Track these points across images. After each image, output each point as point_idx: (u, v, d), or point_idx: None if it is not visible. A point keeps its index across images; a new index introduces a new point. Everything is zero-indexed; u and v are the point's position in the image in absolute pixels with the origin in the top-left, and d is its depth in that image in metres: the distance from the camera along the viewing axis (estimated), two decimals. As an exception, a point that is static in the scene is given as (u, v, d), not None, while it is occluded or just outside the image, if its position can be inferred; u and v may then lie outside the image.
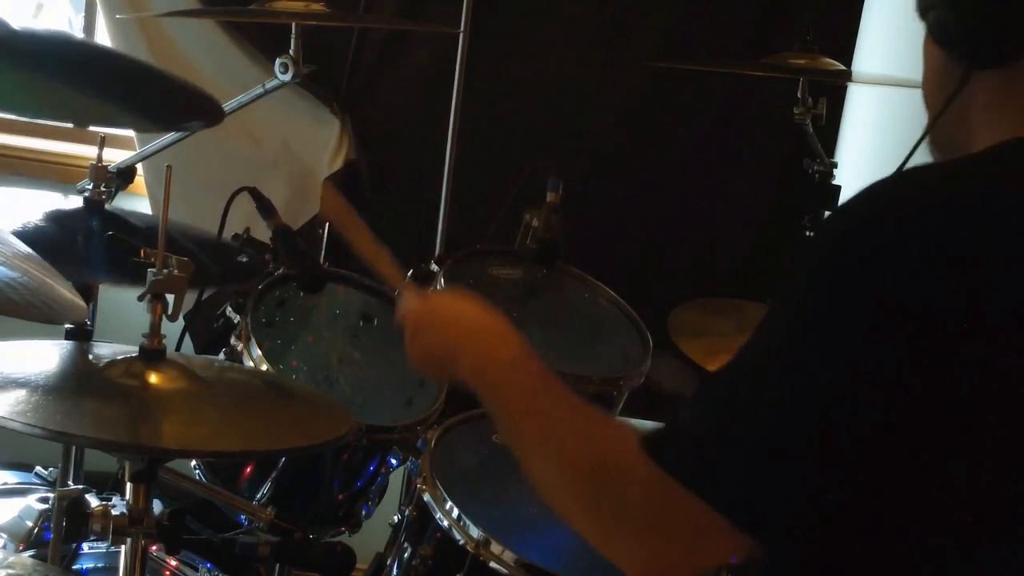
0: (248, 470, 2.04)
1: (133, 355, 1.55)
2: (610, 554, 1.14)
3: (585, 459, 1.15)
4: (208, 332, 2.16)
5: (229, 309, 2.07)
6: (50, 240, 1.95)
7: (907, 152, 1.26)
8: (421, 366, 1.39)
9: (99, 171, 2.08)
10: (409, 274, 2.33)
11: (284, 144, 3.08)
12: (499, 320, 1.31)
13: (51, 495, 2.17)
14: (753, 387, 1.09)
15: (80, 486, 1.76)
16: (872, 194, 1.11)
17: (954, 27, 1.17)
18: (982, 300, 1.04)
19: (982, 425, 1.05)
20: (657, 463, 1.08)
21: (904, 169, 1.18)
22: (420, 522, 1.83)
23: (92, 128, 3.09)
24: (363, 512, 2.13)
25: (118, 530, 1.48)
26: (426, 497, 1.79)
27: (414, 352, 1.38)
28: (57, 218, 2.03)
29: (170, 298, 1.52)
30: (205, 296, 2.27)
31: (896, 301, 1.03)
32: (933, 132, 1.23)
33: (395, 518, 2.04)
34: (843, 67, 2.54)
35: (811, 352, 1.06)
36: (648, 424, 1.19)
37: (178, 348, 2.02)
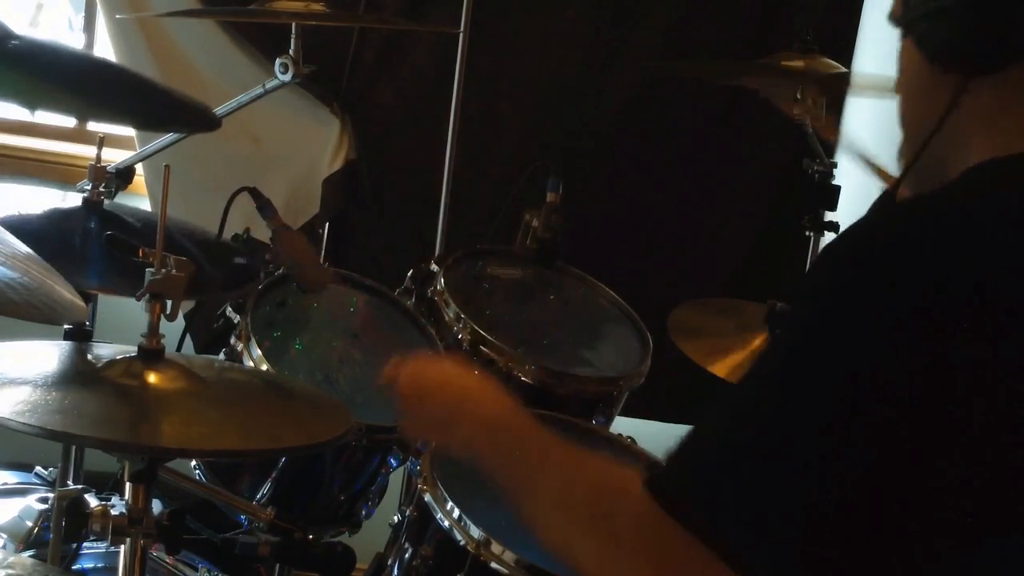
0: (248, 470, 2.04)
1: (133, 355, 1.55)
2: None
3: (594, 515, 1.15)
4: (208, 332, 2.16)
5: (229, 309, 2.07)
6: (50, 240, 1.95)
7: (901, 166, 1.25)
8: (416, 435, 1.41)
9: (98, 171, 2.08)
10: (410, 274, 2.33)
11: (284, 144, 3.08)
12: (485, 382, 1.34)
13: (51, 495, 2.17)
14: (747, 421, 1.09)
15: (80, 486, 1.76)
16: (882, 221, 1.11)
17: (949, 37, 1.15)
18: (990, 327, 1.04)
19: (983, 444, 1.05)
20: (659, 506, 1.07)
21: (906, 199, 1.17)
22: (420, 522, 1.83)
23: (92, 128, 3.11)
24: (363, 512, 2.13)
25: (118, 530, 1.48)
26: (427, 497, 1.79)
27: (408, 424, 1.43)
28: (56, 218, 2.04)
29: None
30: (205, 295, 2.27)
31: (900, 333, 1.03)
32: (911, 145, 1.22)
33: (395, 518, 2.03)
34: (843, 67, 2.54)
35: (803, 386, 1.06)
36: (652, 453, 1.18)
37: (178, 348, 2.02)
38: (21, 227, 1.93)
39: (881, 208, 1.15)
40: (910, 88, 1.23)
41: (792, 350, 1.09)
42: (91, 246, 2.00)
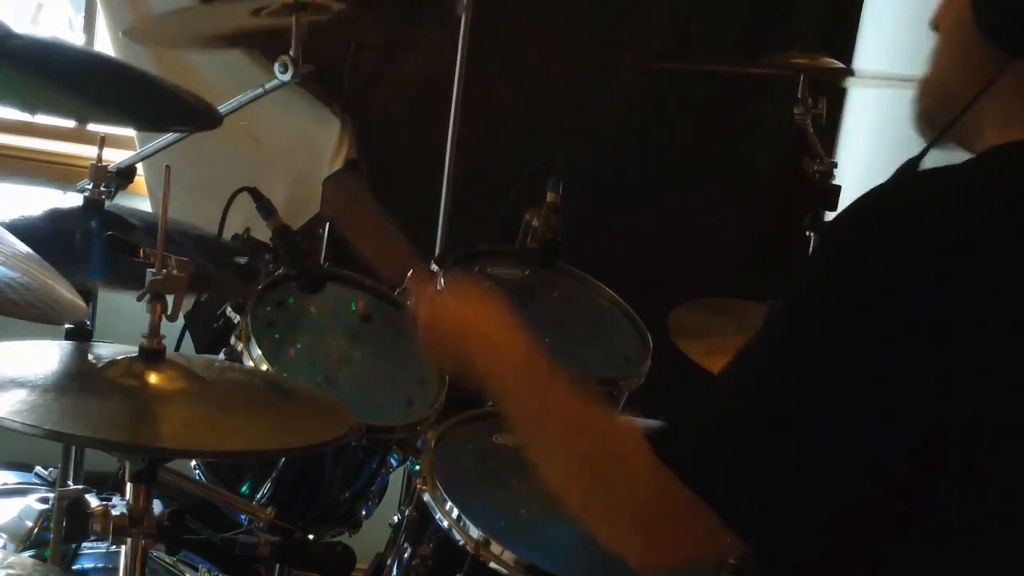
0: (248, 470, 2.04)
1: (133, 355, 1.55)
2: (611, 542, 1.16)
3: (591, 456, 1.18)
4: (208, 332, 2.16)
5: (229, 309, 2.07)
6: (50, 240, 1.94)
7: (909, 152, 1.26)
8: (433, 360, 1.41)
9: (99, 171, 2.08)
10: (410, 274, 2.33)
11: (284, 144, 3.08)
12: (508, 318, 1.33)
13: (51, 495, 2.17)
14: (750, 387, 1.11)
15: (80, 486, 1.76)
16: (888, 195, 1.12)
17: (1009, 11, 1.15)
18: (984, 304, 1.05)
19: (982, 419, 1.06)
20: (659, 458, 1.10)
21: (917, 172, 1.18)
22: (420, 522, 1.83)
23: (92, 128, 3.10)
24: (363, 512, 2.13)
25: (118, 530, 1.48)
26: (426, 497, 1.79)
27: (426, 346, 1.41)
28: (57, 218, 2.03)
29: (170, 298, 1.52)
30: (205, 296, 2.27)
31: (902, 304, 1.05)
32: (936, 106, 1.22)
33: (395, 518, 2.03)
34: (843, 66, 2.54)
35: (812, 353, 1.08)
36: (652, 423, 1.21)
37: (178, 348, 2.02)
38: (22, 228, 1.93)
39: (903, 175, 1.16)
40: (951, 48, 1.22)
41: (800, 311, 1.11)
42: (93, 246, 2.00)
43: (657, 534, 1.13)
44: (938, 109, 1.22)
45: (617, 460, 1.15)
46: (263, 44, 2.82)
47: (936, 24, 1.24)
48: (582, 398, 1.22)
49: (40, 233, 1.96)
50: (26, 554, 2.04)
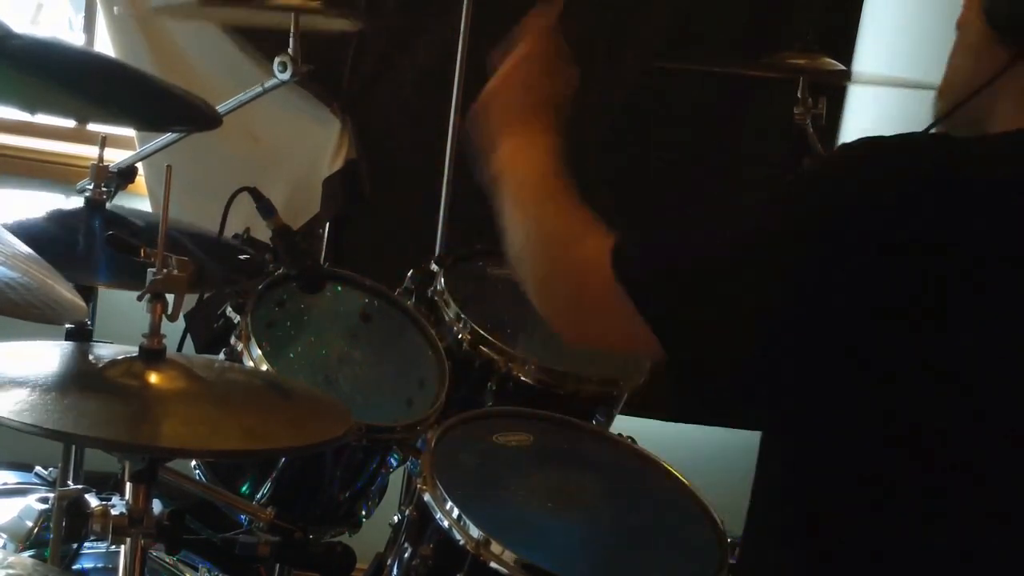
0: (248, 470, 2.04)
1: (133, 355, 1.55)
2: (549, 316, 1.40)
3: (564, 263, 1.37)
4: (208, 332, 2.16)
5: (229, 309, 2.07)
6: (50, 240, 1.94)
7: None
8: (475, 125, 1.59)
9: (100, 171, 2.08)
10: (410, 274, 2.33)
11: (284, 144, 3.08)
12: (545, 126, 1.53)
13: (51, 495, 2.17)
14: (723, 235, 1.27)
15: (80, 486, 1.76)
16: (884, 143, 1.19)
17: (1012, 11, 1.20)
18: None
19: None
20: (615, 272, 1.26)
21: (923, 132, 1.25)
22: (420, 522, 1.83)
23: (92, 128, 3.10)
24: (363, 512, 2.13)
25: (118, 530, 1.48)
26: (426, 497, 1.79)
27: (480, 107, 1.62)
28: (58, 218, 2.03)
29: (170, 298, 1.53)
30: (205, 296, 2.27)
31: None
32: (947, 95, 1.28)
33: (395, 518, 2.04)
34: (843, 67, 2.54)
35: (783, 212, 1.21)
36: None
37: (179, 348, 2.02)
38: (24, 231, 1.93)
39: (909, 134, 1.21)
40: (964, 51, 1.28)
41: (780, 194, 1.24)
42: (94, 246, 2.00)
43: (587, 320, 1.33)
44: (951, 106, 1.26)
45: (584, 269, 1.32)
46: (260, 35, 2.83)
47: (958, 24, 1.29)
48: (576, 214, 1.39)
49: (41, 233, 1.96)
50: (26, 554, 2.04)
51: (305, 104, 3.03)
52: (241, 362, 1.99)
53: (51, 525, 1.87)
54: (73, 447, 2.02)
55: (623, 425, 2.26)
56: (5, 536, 2.13)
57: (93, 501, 1.51)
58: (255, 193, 2.08)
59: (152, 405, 1.53)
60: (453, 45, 2.89)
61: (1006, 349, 1.12)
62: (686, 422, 2.90)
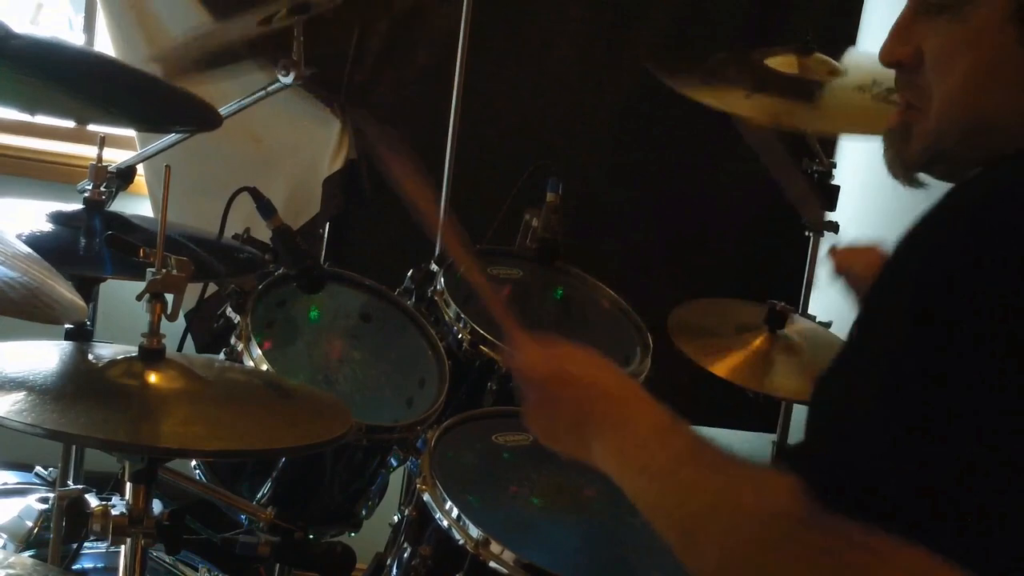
0: (248, 470, 2.04)
1: (133, 355, 1.55)
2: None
3: (749, 532, 1.05)
4: (208, 332, 2.16)
5: (229, 309, 2.07)
6: (50, 240, 1.95)
7: None
8: (545, 438, 1.28)
9: (99, 171, 2.08)
10: (409, 274, 2.33)
11: (284, 144, 3.07)
12: (639, 388, 1.23)
13: (51, 495, 2.17)
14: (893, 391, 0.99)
15: (80, 486, 1.76)
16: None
17: None
18: None
19: None
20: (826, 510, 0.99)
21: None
22: (420, 522, 1.83)
23: (92, 128, 3.10)
24: (363, 512, 2.13)
25: (118, 530, 1.48)
26: (426, 497, 1.79)
27: (537, 420, 1.28)
28: (57, 218, 2.04)
29: (170, 298, 1.53)
30: (207, 294, 2.27)
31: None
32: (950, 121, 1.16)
33: (395, 518, 2.04)
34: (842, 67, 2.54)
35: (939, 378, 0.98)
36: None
37: (180, 348, 2.02)
38: (25, 231, 1.93)
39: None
40: (980, 56, 1.14)
41: (917, 311, 1.00)
42: (94, 246, 2.00)
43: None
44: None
45: (777, 529, 1.01)
46: (271, 54, 2.82)
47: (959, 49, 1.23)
48: (732, 466, 1.11)
49: (41, 233, 1.96)
50: (26, 554, 2.04)
51: (306, 104, 3.03)
52: (241, 362, 1.99)
53: (51, 525, 1.88)
54: (73, 447, 2.03)
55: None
56: (5, 536, 2.14)
57: (93, 501, 1.51)
58: (255, 193, 2.08)
59: (152, 405, 1.53)
60: (453, 45, 2.89)
61: None
62: (687, 422, 2.90)
